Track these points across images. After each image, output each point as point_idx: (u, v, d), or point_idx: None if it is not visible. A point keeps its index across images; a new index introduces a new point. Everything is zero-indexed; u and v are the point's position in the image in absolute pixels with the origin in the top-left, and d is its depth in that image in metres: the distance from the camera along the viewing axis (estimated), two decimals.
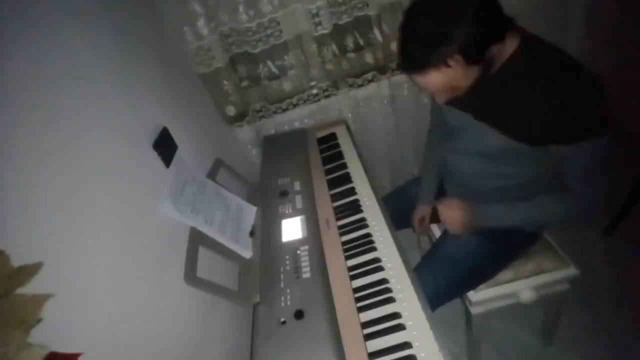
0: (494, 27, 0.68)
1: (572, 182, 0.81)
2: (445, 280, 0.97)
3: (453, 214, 0.95)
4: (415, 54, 0.71)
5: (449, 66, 0.68)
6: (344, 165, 1.23)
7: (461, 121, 0.91)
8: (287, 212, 1.04)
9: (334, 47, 1.36)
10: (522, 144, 0.80)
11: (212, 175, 1.07)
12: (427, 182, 1.16)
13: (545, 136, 0.77)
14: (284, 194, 1.11)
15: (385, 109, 1.53)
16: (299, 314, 0.78)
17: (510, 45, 0.75)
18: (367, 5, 1.30)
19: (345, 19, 1.32)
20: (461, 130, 0.93)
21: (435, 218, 1.20)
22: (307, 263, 0.88)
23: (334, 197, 1.12)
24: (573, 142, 0.74)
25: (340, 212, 1.07)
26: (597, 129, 0.72)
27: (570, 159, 0.77)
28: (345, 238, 0.99)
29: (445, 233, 1.10)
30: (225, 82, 1.31)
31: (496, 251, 0.98)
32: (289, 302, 0.81)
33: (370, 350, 0.74)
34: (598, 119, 0.72)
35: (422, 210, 1.17)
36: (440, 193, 1.15)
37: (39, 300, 0.45)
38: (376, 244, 0.95)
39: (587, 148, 0.74)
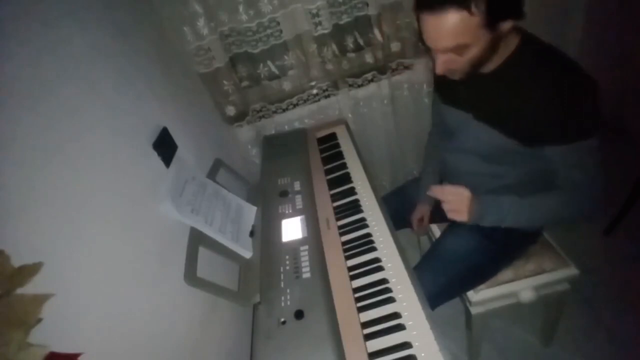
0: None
1: (569, 180, 0.81)
2: (445, 279, 0.97)
3: (460, 198, 0.85)
4: None
5: (470, 12, 0.65)
6: (344, 165, 1.23)
7: (460, 121, 0.93)
8: (287, 212, 1.04)
9: (334, 47, 1.36)
10: (519, 145, 0.81)
11: (212, 175, 1.07)
12: (426, 182, 1.17)
13: (543, 136, 0.78)
14: (284, 194, 1.11)
15: (385, 109, 1.53)
16: (299, 314, 0.78)
17: (510, 44, 0.77)
18: (367, 5, 1.30)
19: (345, 19, 1.32)
20: (460, 130, 0.95)
21: (434, 218, 1.20)
22: (307, 263, 0.88)
23: (334, 197, 1.12)
24: (569, 142, 0.75)
25: (340, 212, 1.07)
26: (593, 130, 0.74)
27: (567, 158, 0.78)
28: (345, 238, 0.99)
29: (445, 232, 1.10)
30: (225, 82, 1.31)
31: (496, 251, 0.98)
32: (289, 302, 0.81)
33: (370, 350, 0.74)
34: (594, 120, 0.74)
35: (421, 210, 1.17)
36: None
37: (39, 300, 0.45)
38: (376, 244, 0.94)
39: (583, 147, 0.75)
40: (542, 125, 0.76)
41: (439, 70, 0.78)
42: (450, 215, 0.87)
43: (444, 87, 1.01)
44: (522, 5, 0.70)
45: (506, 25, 0.70)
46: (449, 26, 0.68)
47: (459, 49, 0.72)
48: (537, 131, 0.77)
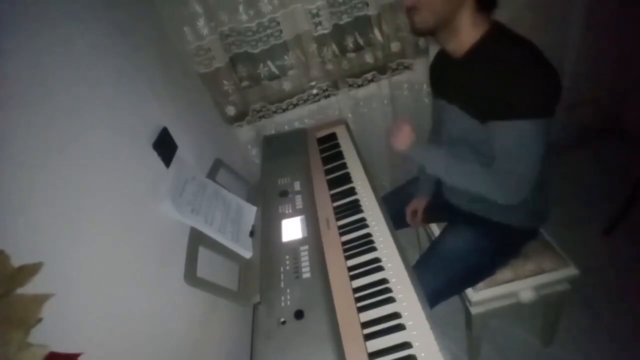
0: None
1: (495, 160, 0.83)
2: (443, 277, 0.97)
3: (404, 134, 0.98)
4: None
5: None
6: (344, 165, 1.23)
7: (444, 111, 0.96)
8: (287, 212, 1.04)
9: (334, 47, 1.36)
10: (478, 124, 0.83)
11: (212, 175, 1.07)
12: (424, 178, 1.18)
13: (487, 110, 0.80)
14: (284, 194, 1.11)
15: (385, 109, 1.53)
16: (299, 314, 0.78)
17: (479, 29, 0.81)
18: (367, 5, 1.30)
19: (345, 19, 1.32)
20: (444, 120, 0.99)
21: (434, 217, 1.20)
22: (307, 263, 0.88)
23: (334, 197, 1.12)
24: (504, 118, 0.77)
25: (340, 212, 1.07)
26: (530, 113, 0.75)
27: (498, 134, 0.80)
28: (345, 238, 0.99)
29: (443, 231, 1.10)
30: (225, 82, 1.31)
31: (494, 249, 0.99)
32: (289, 302, 0.81)
33: (370, 350, 0.74)
34: (535, 104, 0.75)
35: (415, 204, 1.18)
36: (437, 189, 1.15)
37: (39, 300, 0.45)
38: (376, 244, 0.94)
39: (514, 127, 0.76)
40: (490, 100, 0.79)
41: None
42: (392, 142, 1.00)
43: (435, 81, 1.05)
44: None
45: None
46: None
47: None
48: (486, 106, 0.80)
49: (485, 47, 0.81)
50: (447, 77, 0.94)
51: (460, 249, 0.99)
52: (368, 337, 0.76)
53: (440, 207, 1.11)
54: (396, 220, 1.05)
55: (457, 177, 0.92)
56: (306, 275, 0.86)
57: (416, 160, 1.00)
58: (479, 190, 0.88)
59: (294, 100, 1.46)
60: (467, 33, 0.82)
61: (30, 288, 0.44)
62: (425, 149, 0.99)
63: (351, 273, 0.89)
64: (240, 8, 1.21)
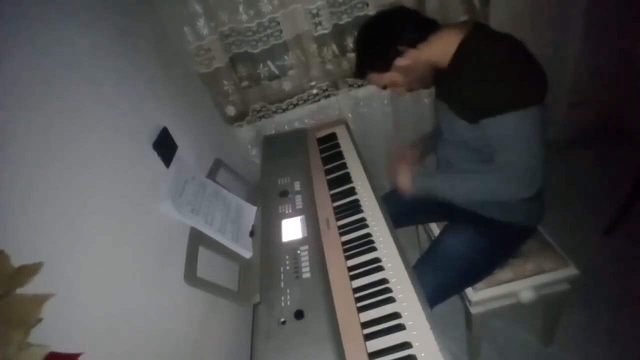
0: (403, 42, 0.89)
1: (495, 155, 0.84)
2: (443, 277, 0.97)
3: (404, 173, 1.04)
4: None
5: (368, 75, 1.00)
6: (344, 165, 1.23)
7: (441, 112, 0.99)
8: (287, 212, 1.04)
9: (334, 47, 1.36)
10: (467, 124, 0.87)
11: (212, 175, 1.07)
12: (422, 139, 1.23)
13: (476, 110, 0.82)
14: (284, 194, 1.11)
15: (385, 109, 1.53)
16: (299, 314, 0.78)
17: (455, 40, 0.86)
18: (367, 5, 1.30)
19: (345, 19, 1.32)
20: (441, 120, 1.02)
21: (434, 217, 1.20)
22: (307, 263, 0.88)
23: (334, 197, 1.12)
24: (494, 114, 0.79)
25: (340, 212, 1.07)
26: (517, 104, 0.76)
27: (492, 131, 0.81)
28: (345, 238, 0.99)
29: (443, 231, 1.10)
30: (225, 82, 1.32)
31: (493, 247, 0.99)
32: (289, 302, 0.81)
33: (370, 350, 0.74)
34: (519, 94, 0.77)
35: (405, 148, 1.19)
36: None
37: (39, 300, 0.45)
38: (376, 244, 0.94)
39: (507, 121, 0.78)
40: (476, 100, 0.81)
41: (400, 95, 0.98)
42: (395, 184, 1.07)
43: (437, 83, 1.04)
44: (413, 41, 0.89)
45: (406, 56, 0.90)
46: (373, 82, 1.03)
47: (393, 85, 1.00)
48: (473, 107, 0.83)
49: (465, 53, 0.85)
50: (441, 82, 0.98)
51: (459, 249, 0.99)
52: (368, 337, 0.76)
53: (440, 206, 1.11)
54: (396, 220, 1.04)
55: (465, 191, 0.92)
56: (306, 275, 0.86)
57: (424, 193, 0.99)
58: (492, 193, 0.88)
59: (294, 100, 1.46)
60: (443, 56, 0.87)
61: (30, 288, 0.44)
62: (427, 179, 1.00)
63: (351, 273, 0.89)
64: (240, 8, 1.22)
